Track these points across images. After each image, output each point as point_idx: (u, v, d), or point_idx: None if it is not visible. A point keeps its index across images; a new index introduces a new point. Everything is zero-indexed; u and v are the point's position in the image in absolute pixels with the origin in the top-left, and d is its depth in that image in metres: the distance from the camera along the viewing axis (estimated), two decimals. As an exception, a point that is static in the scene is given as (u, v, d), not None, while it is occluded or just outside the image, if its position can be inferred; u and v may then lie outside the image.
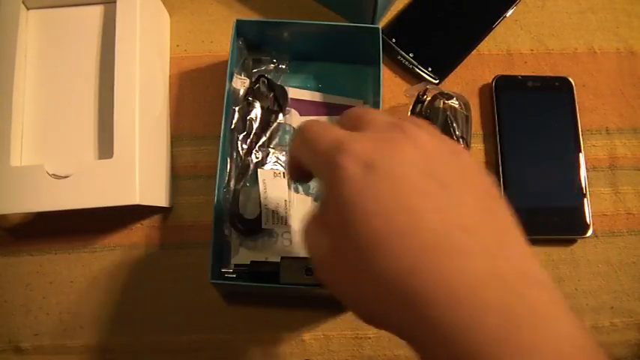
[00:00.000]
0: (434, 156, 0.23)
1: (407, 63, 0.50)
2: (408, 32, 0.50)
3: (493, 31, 0.51)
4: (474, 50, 0.51)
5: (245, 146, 0.44)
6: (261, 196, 0.42)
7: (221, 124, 0.43)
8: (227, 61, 0.44)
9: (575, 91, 0.49)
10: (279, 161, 0.46)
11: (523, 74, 0.50)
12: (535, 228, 0.46)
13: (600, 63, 0.51)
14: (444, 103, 0.45)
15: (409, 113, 0.45)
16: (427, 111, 0.45)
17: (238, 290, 0.44)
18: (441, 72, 0.49)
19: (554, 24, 0.52)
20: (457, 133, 0.44)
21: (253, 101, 0.45)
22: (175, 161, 0.47)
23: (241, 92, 0.45)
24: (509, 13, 0.52)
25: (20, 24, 0.41)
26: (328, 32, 0.45)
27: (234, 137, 0.44)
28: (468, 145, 0.45)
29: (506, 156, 0.47)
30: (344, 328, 0.44)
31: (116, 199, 0.38)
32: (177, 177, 0.47)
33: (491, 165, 0.48)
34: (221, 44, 0.50)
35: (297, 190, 0.45)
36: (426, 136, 0.24)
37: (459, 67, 0.50)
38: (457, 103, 0.45)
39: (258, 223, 0.42)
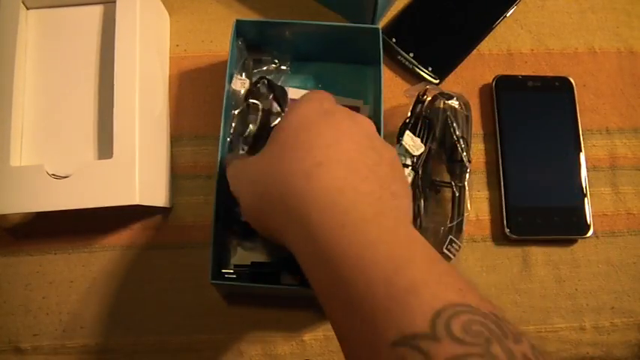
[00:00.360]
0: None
1: (407, 63, 0.50)
2: (408, 32, 0.50)
3: (493, 30, 0.51)
4: (474, 50, 0.51)
5: (246, 147, 0.44)
6: None
7: (221, 124, 0.43)
8: (227, 61, 0.43)
9: (575, 91, 0.49)
10: None
11: (523, 74, 0.50)
12: (535, 228, 0.46)
13: (600, 63, 0.51)
14: (444, 103, 0.45)
15: (409, 113, 0.45)
16: (427, 111, 0.45)
17: (238, 290, 0.44)
18: (441, 72, 0.49)
19: (554, 24, 0.52)
20: (457, 133, 0.44)
21: (253, 103, 0.44)
22: (175, 161, 0.47)
23: (242, 93, 0.45)
24: (510, 12, 0.52)
25: (20, 24, 0.41)
26: (328, 32, 0.45)
27: (235, 139, 0.44)
28: (468, 145, 0.45)
29: (506, 156, 0.47)
30: (344, 328, 0.44)
31: (116, 199, 0.38)
32: (177, 177, 0.47)
33: (492, 165, 0.48)
34: (221, 44, 0.50)
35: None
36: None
37: (459, 67, 0.50)
38: (457, 103, 0.45)
39: None
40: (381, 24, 0.51)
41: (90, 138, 0.40)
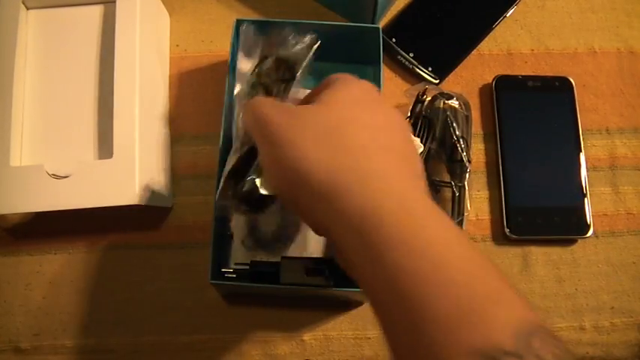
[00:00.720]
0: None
1: (407, 63, 0.50)
2: (408, 32, 0.50)
3: (493, 31, 0.51)
4: (474, 50, 0.51)
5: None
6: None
7: (221, 124, 0.43)
8: (227, 61, 0.43)
9: (575, 91, 0.49)
10: None
11: (523, 74, 0.50)
12: (535, 228, 0.46)
13: (600, 63, 0.51)
14: (444, 103, 0.45)
15: (409, 113, 0.45)
16: (427, 111, 0.45)
17: (238, 290, 0.44)
18: (441, 72, 0.49)
19: (554, 24, 0.52)
20: (457, 133, 0.44)
21: (261, 83, 0.39)
22: (175, 161, 0.47)
23: (248, 75, 0.40)
24: (510, 13, 0.52)
25: (20, 24, 0.41)
26: (328, 32, 0.45)
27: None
28: (468, 145, 0.45)
29: (506, 156, 0.47)
30: (344, 328, 0.44)
31: (116, 199, 0.38)
32: (177, 177, 0.47)
33: (492, 165, 0.48)
34: (221, 44, 0.50)
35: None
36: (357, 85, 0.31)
37: (459, 67, 0.50)
38: (457, 103, 0.45)
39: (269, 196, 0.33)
40: (381, 24, 0.51)
41: (90, 138, 0.40)
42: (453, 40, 0.51)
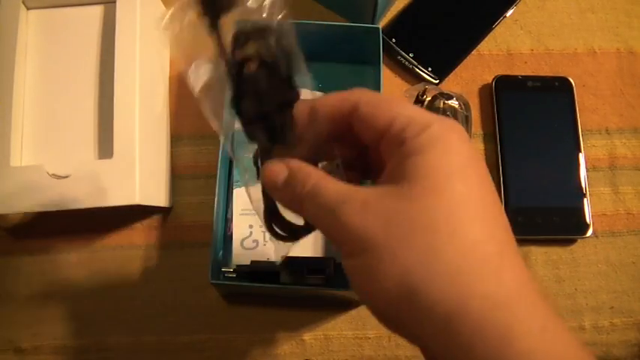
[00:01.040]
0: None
1: (407, 63, 0.50)
2: (408, 32, 0.50)
3: (493, 31, 0.51)
4: (474, 50, 0.51)
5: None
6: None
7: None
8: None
9: (575, 91, 0.49)
10: None
11: (523, 74, 0.50)
12: (535, 228, 0.46)
13: (600, 63, 0.51)
14: (444, 103, 0.45)
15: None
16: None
17: (238, 290, 0.44)
18: (441, 72, 0.49)
19: (554, 24, 0.52)
20: (457, 133, 0.44)
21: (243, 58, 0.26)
22: (175, 161, 0.47)
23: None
24: (509, 13, 0.52)
25: (20, 24, 0.41)
26: (328, 32, 0.45)
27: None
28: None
29: (506, 156, 0.47)
30: (344, 328, 0.44)
31: (116, 199, 0.38)
32: (177, 177, 0.47)
33: (492, 165, 0.48)
34: (221, 44, 0.50)
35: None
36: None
37: (459, 67, 0.50)
38: (457, 103, 0.45)
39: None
40: (381, 24, 0.51)
41: (90, 138, 0.40)
42: (452, 40, 0.51)
